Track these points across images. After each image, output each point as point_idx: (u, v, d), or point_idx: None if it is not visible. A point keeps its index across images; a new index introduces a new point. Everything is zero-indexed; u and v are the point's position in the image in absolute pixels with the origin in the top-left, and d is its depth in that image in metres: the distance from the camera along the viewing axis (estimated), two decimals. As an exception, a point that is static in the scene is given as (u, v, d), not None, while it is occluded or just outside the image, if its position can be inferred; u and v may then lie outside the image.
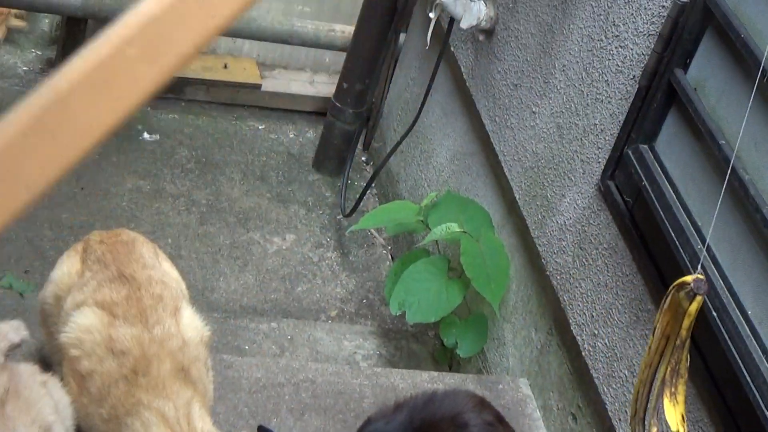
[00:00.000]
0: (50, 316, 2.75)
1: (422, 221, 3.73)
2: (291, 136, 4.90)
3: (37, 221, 4.05)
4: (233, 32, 4.69)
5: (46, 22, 5.03)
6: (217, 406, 2.77)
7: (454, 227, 3.50)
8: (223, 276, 4.13)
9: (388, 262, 4.42)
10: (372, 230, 4.53)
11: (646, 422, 2.31)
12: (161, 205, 4.32)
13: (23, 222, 4.02)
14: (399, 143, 4.24)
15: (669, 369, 2.26)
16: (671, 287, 2.18)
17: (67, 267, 2.78)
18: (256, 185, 4.58)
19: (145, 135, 4.62)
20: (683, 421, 2.26)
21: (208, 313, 3.75)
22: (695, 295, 2.12)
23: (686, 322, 2.16)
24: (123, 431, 2.45)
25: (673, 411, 2.25)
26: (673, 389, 2.26)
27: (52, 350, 2.76)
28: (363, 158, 4.88)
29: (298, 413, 2.90)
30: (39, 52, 4.89)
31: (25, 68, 4.77)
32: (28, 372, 2.49)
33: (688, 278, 2.13)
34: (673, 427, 2.24)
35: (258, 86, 4.97)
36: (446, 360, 3.86)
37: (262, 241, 4.34)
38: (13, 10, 4.77)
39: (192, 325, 2.67)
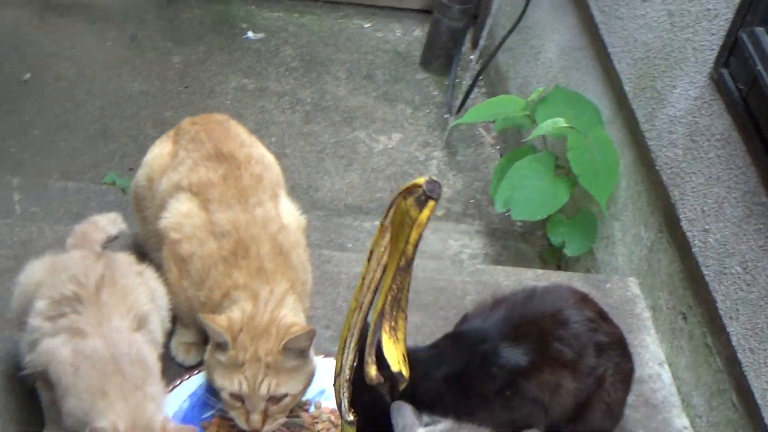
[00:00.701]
0: (143, 200, 2.72)
1: (529, 116, 3.61)
2: (398, 34, 4.80)
3: (141, 119, 4.05)
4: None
5: None
6: (315, 301, 2.73)
7: (561, 122, 3.38)
8: (327, 175, 4.09)
9: (496, 162, 4.32)
10: (480, 129, 4.43)
11: (363, 364, 1.98)
12: (265, 104, 4.28)
13: (127, 120, 4.02)
14: (505, 38, 4.12)
15: (390, 297, 1.93)
16: (396, 195, 1.86)
17: (158, 149, 2.74)
18: (362, 84, 4.51)
19: (250, 34, 4.57)
20: (404, 360, 1.97)
21: (312, 211, 3.72)
22: (428, 199, 1.83)
23: (414, 235, 1.85)
24: (219, 310, 2.43)
25: (394, 349, 1.96)
26: (393, 323, 1.96)
27: (146, 236, 2.74)
28: (471, 56, 4.76)
29: (398, 309, 2.85)
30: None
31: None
32: (125, 261, 2.48)
33: (420, 180, 1.82)
34: (394, 367, 1.96)
35: (364, -17, 4.88)
36: (554, 260, 3.76)
37: (368, 140, 4.28)
38: None
39: (289, 211, 2.62)
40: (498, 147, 4.40)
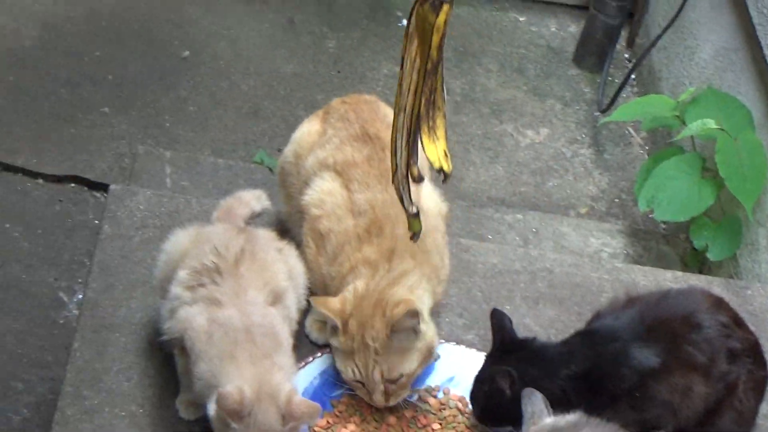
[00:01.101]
0: (289, 176, 2.77)
1: (678, 117, 3.57)
2: (552, 29, 4.78)
3: (293, 101, 4.12)
4: None
5: None
6: (450, 288, 2.75)
7: (711, 123, 3.33)
8: (472, 166, 4.10)
9: (643, 162, 4.27)
10: (629, 128, 4.39)
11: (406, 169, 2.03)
12: (415, 92, 4.31)
13: (279, 101, 4.10)
14: (660, 36, 4.07)
15: (423, 101, 1.96)
16: (414, 2, 1.87)
17: (307, 127, 2.80)
18: (513, 77, 4.50)
19: (404, 22, 4.59)
20: (446, 156, 2.01)
21: (455, 201, 3.74)
22: (442, 3, 1.85)
23: (435, 39, 1.88)
24: (343, 286, 2.47)
25: (434, 148, 2.00)
26: (431, 123, 1.99)
27: (289, 212, 2.80)
28: (625, 55, 4.71)
29: (532, 302, 2.85)
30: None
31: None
32: (266, 237, 2.53)
33: None
34: (435, 165, 2.00)
35: (522, -23, 4.87)
36: (696, 263, 3.71)
37: (515, 133, 4.28)
38: None
39: (431, 196, 2.65)
40: (646, 147, 4.35)
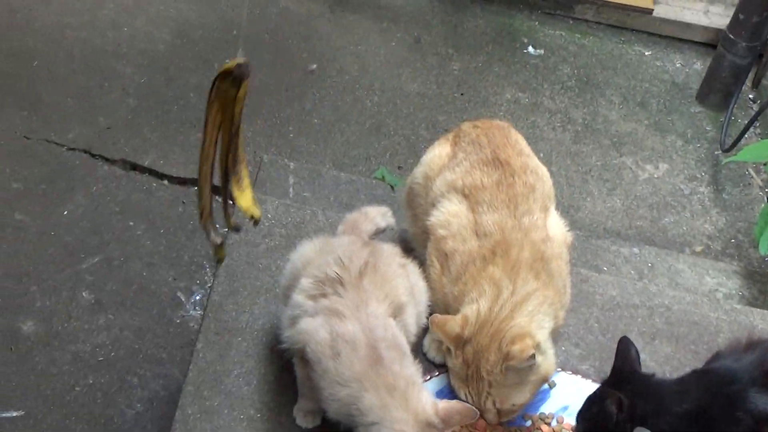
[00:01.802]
0: (417, 196, 2.80)
1: (806, 162, 3.53)
2: (677, 65, 4.76)
3: (415, 120, 4.15)
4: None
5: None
6: (569, 317, 2.75)
7: (840, 171, 3.29)
8: (590, 196, 4.09)
9: (763, 204, 4.23)
10: (750, 169, 4.34)
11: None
12: (537, 119, 4.32)
13: (402, 119, 4.14)
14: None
15: (230, 158, 2.28)
16: (215, 78, 2.15)
17: (438, 150, 2.83)
18: (635, 110, 4.49)
19: (530, 49, 4.62)
20: (254, 202, 2.33)
21: (572, 230, 3.73)
22: (241, 80, 2.13)
23: (237, 108, 2.19)
24: (465, 302, 2.49)
25: (243, 198, 2.31)
26: (237, 176, 2.30)
27: (414, 232, 2.82)
28: (750, 95, 4.67)
29: (649, 337, 2.84)
30: (437, -41, 4.98)
31: (421, -27, 4.87)
32: (390, 252, 2.56)
33: (231, 66, 2.12)
34: (247, 213, 2.31)
35: (650, 11, 4.84)
36: (813, 311, 3.65)
37: (634, 166, 4.26)
38: None
39: (557, 224, 2.66)
40: (766, 189, 4.30)
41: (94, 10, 4.30)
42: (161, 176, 3.75)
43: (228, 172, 2.31)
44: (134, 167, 3.76)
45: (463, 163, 2.70)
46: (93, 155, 3.76)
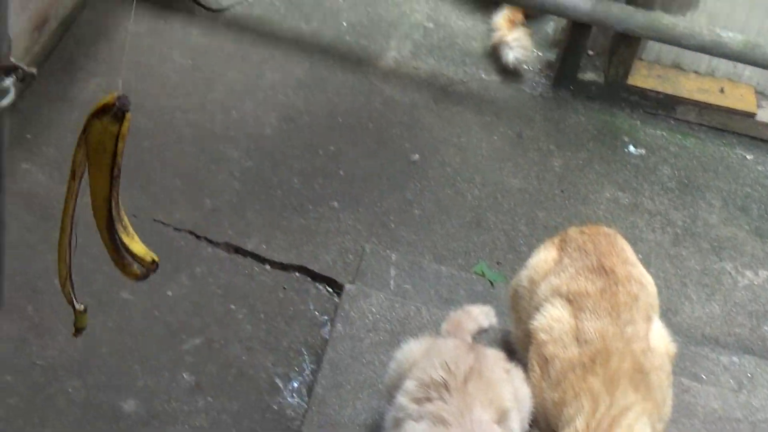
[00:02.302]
0: (521, 299, 2.83)
1: None
2: (781, 170, 4.74)
3: (515, 215, 4.17)
4: (735, 56, 4.60)
5: (551, 25, 5.15)
6: (670, 429, 2.73)
7: None
8: (688, 300, 4.07)
9: None
10: None
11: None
12: (636, 220, 4.32)
13: (502, 214, 4.16)
14: None
15: (113, 203, 2.17)
16: (88, 118, 2.05)
17: (544, 255, 2.86)
18: (736, 215, 4.46)
19: (631, 148, 4.63)
20: (147, 249, 2.25)
21: (670, 334, 3.72)
22: (124, 113, 2.03)
23: (121, 146, 2.07)
24: (561, 416, 2.49)
25: (136, 244, 2.25)
26: (123, 223, 2.22)
27: (517, 336, 2.84)
28: None
29: (751, 454, 2.82)
30: (540, 54, 5.02)
31: (525, 67, 4.91)
32: (494, 357, 2.58)
33: (109, 100, 2.03)
34: (146, 258, 2.23)
35: (752, 115, 4.84)
36: None
37: (734, 272, 4.23)
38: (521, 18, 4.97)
39: (660, 334, 2.66)
40: None
41: (204, 93, 4.39)
42: (263, 260, 3.80)
43: (113, 219, 2.21)
44: (237, 250, 3.82)
45: (569, 269, 2.73)
46: (198, 236, 3.82)
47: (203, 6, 4.82)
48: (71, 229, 2.25)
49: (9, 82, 2.56)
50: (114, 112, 2.08)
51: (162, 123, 4.21)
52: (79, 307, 2.36)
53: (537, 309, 2.69)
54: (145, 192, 3.93)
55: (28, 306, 3.42)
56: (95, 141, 2.12)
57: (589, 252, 2.74)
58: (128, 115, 2.08)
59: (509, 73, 4.82)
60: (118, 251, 2.27)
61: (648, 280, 2.79)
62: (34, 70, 2.59)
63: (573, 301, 2.65)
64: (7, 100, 2.58)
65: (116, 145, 2.12)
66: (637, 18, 4.56)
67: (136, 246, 2.28)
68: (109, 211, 2.22)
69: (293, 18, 4.89)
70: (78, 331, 2.43)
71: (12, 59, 2.57)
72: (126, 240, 2.26)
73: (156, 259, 2.30)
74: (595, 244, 2.77)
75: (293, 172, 4.14)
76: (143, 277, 2.33)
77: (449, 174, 4.30)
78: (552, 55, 4.97)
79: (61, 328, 3.31)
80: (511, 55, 4.80)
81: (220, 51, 4.61)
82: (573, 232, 2.87)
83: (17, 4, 2.60)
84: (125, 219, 2.26)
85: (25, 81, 2.60)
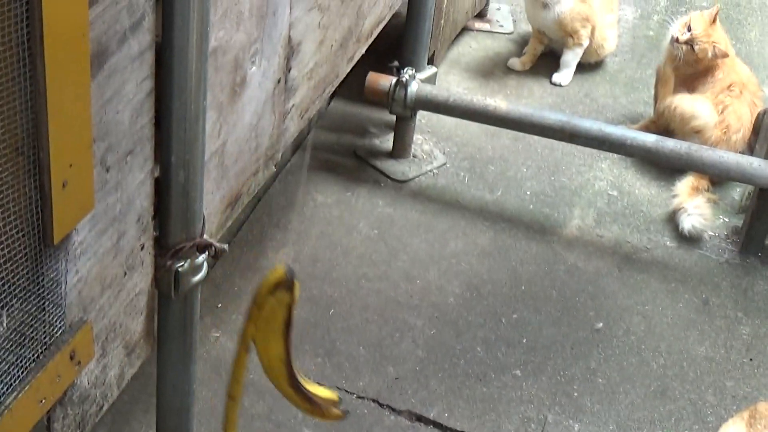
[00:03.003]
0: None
1: None
2: None
3: (702, 385, 4.10)
4: None
5: (737, 191, 5.12)
6: None
7: None
8: None
9: None
10: None
11: None
12: None
13: (688, 383, 4.09)
14: None
15: (291, 362, 2.40)
16: (261, 296, 2.32)
17: (731, 429, 2.80)
18: None
19: None
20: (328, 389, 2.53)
21: None
22: (291, 282, 2.30)
23: (293, 311, 2.32)
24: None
25: (317, 388, 2.51)
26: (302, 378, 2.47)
27: None
28: None
29: None
30: (726, 219, 4.98)
31: (711, 233, 4.87)
32: None
33: (280, 273, 2.28)
34: (333, 397, 2.53)
35: None
36: None
37: None
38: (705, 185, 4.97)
39: None
40: None
41: (389, 262, 4.50)
42: (445, 429, 3.83)
43: (295, 376, 2.48)
44: (419, 419, 3.85)
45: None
46: (381, 404, 3.88)
47: (389, 177, 4.97)
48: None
49: (202, 258, 2.70)
50: (287, 285, 2.34)
51: (347, 292, 4.32)
52: None
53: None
54: (330, 360, 4.02)
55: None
56: (269, 313, 2.39)
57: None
58: (297, 284, 2.35)
59: (691, 240, 4.80)
60: (310, 401, 2.55)
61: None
62: (225, 247, 2.73)
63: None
64: (200, 276, 2.71)
65: (290, 313, 2.38)
66: (825, 183, 4.50)
67: (321, 390, 2.55)
68: (290, 368, 2.46)
69: (477, 188, 5.00)
70: None
71: (206, 236, 2.70)
72: (311, 389, 2.51)
73: (337, 399, 2.59)
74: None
75: (476, 340, 4.18)
76: (344, 414, 2.65)
77: (633, 342, 4.26)
78: (739, 221, 4.92)
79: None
80: (687, 222, 4.78)
81: (404, 220, 4.74)
82: (762, 407, 2.81)
83: (212, 185, 2.75)
84: (301, 374, 2.50)
85: (217, 256, 2.73)
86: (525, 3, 5.79)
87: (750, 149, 5.09)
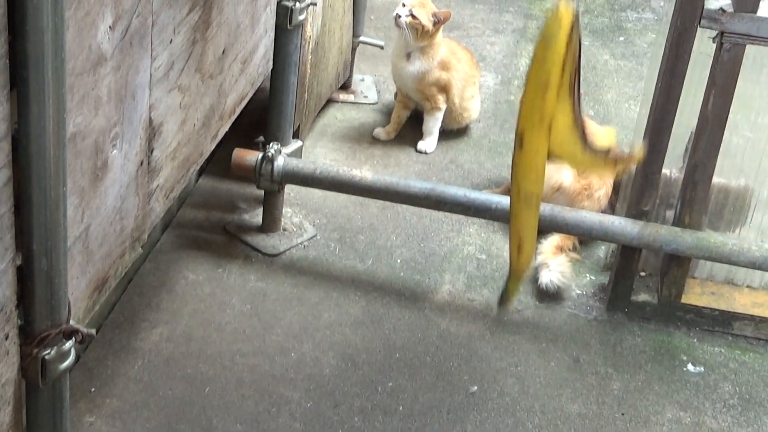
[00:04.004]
0: None
1: None
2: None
3: (577, 443, 4.17)
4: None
5: (602, 249, 5.25)
6: None
7: None
8: None
9: None
10: None
11: None
12: (700, 440, 4.30)
13: (564, 442, 4.15)
14: None
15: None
16: (573, 33, 2.31)
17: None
18: (801, 428, 4.43)
19: (690, 366, 4.63)
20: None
21: None
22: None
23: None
24: None
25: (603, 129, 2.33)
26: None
27: None
28: None
29: None
30: (593, 277, 5.10)
31: (578, 292, 4.98)
32: None
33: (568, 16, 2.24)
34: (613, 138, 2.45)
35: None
36: None
37: (804, 488, 4.17)
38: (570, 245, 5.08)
39: None
40: None
41: (263, 336, 4.50)
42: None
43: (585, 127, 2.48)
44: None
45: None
46: (260, 481, 3.86)
47: (260, 251, 4.98)
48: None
49: (69, 344, 2.68)
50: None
51: (222, 368, 4.30)
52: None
53: None
54: (208, 439, 3.99)
55: None
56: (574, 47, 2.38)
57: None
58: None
59: (550, 296, 4.89)
60: (606, 153, 2.54)
61: None
62: (93, 332, 2.72)
63: None
64: (68, 363, 2.69)
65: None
66: (685, 239, 4.64)
67: (600, 133, 2.56)
68: (581, 126, 2.49)
69: (348, 258, 5.04)
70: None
71: (72, 322, 2.68)
72: (589, 124, 2.56)
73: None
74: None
75: (353, 410, 4.20)
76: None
77: (508, 403, 4.32)
78: (605, 279, 5.04)
79: None
80: (546, 277, 4.89)
81: (277, 294, 4.74)
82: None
83: (77, 270, 2.73)
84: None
85: (84, 342, 2.71)
86: (391, 56, 5.87)
87: (611, 208, 5.24)
